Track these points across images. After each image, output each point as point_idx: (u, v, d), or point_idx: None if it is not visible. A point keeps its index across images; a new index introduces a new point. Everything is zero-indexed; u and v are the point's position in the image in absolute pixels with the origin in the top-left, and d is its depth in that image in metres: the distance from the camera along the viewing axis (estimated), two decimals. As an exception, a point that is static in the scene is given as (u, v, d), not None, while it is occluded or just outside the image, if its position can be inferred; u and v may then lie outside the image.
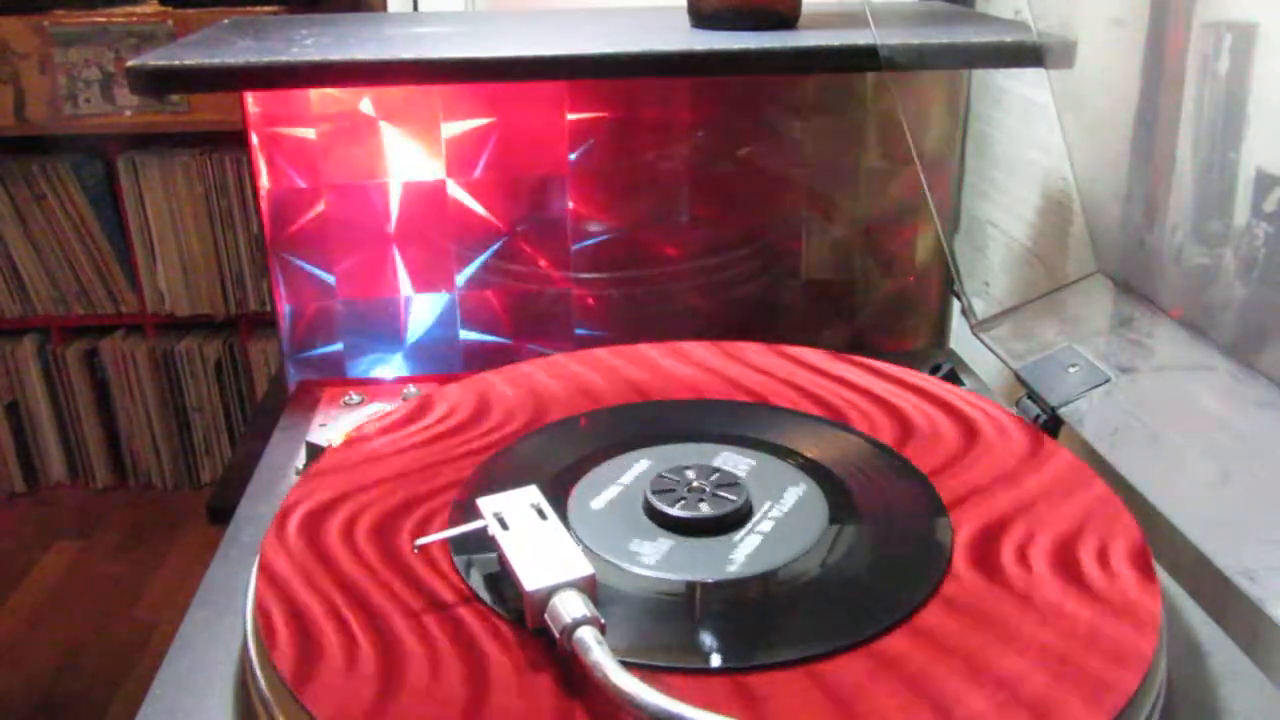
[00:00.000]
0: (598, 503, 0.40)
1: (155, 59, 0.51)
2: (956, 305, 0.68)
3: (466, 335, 0.65)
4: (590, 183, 0.63)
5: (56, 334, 1.56)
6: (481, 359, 0.51)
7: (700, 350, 0.53)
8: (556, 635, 0.31)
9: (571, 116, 0.62)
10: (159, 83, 0.52)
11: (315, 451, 0.50)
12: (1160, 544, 0.40)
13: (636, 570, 0.36)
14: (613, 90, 0.62)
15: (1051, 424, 0.50)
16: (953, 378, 0.57)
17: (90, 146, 1.48)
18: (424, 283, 0.63)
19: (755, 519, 0.39)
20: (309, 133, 0.59)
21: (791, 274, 0.67)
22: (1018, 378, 0.53)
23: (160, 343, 1.56)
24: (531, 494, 0.37)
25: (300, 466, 0.50)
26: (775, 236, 0.66)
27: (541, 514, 0.36)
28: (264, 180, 0.60)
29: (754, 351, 0.53)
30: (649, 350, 0.53)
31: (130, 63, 0.50)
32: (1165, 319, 0.50)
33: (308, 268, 0.62)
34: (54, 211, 1.49)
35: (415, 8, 0.99)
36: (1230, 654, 0.37)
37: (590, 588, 0.33)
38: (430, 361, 0.65)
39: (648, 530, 0.38)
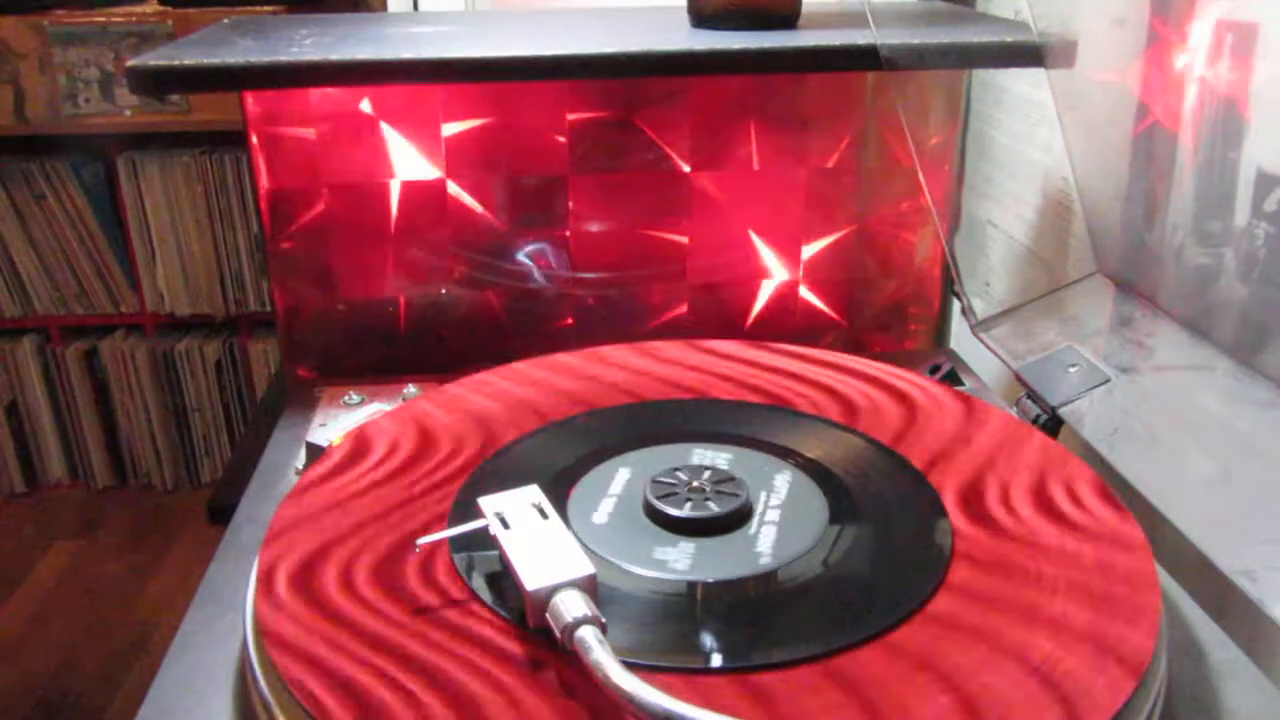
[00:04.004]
0: (599, 516, 0.39)
1: (155, 59, 0.51)
2: (956, 305, 0.68)
3: (466, 335, 0.65)
4: (590, 183, 0.63)
5: (56, 334, 1.56)
6: (481, 359, 0.51)
7: (619, 353, 0.52)
8: (558, 635, 0.31)
9: (571, 116, 0.62)
10: (159, 83, 0.52)
11: (315, 451, 0.50)
12: (1160, 544, 0.40)
13: (672, 577, 0.35)
14: (613, 90, 0.62)
15: (1052, 424, 0.50)
16: (953, 377, 0.57)
17: (90, 146, 1.48)
18: (423, 283, 0.63)
19: (760, 510, 0.39)
20: (309, 133, 0.59)
21: (790, 274, 0.67)
22: (1018, 378, 0.53)
23: (160, 343, 1.55)
24: (533, 493, 0.37)
25: (300, 466, 0.50)
26: (775, 236, 0.66)
27: (543, 513, 0.36)
28: (264, 180, 0.60)
29: (674, 349, 0.53)
30: (569, 359, 0.52)
31: (130, 63, 0.50)
32: (1165, 319, 0.50)
33: (307, 268, 0.62)
34: (54, 211, 1.48)
35: (415, 8, 0.98)
36: (1230, 654, 0.37)
37: (591, 587, 0.32)
38: (429, 361, 0.65)
39: (662, 536, 0.38)
